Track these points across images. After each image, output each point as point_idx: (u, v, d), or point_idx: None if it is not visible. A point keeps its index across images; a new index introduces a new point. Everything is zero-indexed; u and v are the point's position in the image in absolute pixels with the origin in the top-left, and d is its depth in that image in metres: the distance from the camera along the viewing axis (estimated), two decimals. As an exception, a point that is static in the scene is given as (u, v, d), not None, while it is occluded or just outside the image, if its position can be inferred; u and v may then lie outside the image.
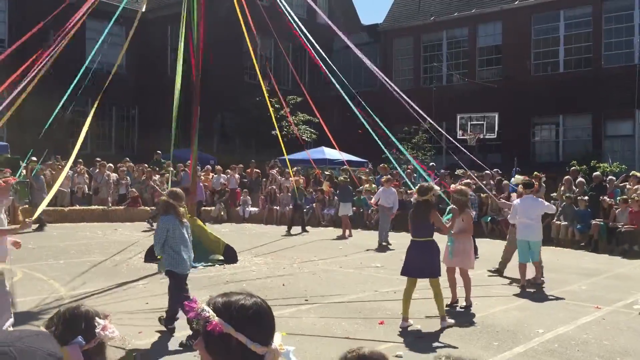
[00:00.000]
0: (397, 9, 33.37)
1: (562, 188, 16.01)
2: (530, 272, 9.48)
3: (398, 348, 5.98)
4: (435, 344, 6.19)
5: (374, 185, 19.36)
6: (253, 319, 1.59)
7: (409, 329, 6.75)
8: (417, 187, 7.34)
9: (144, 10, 29.28)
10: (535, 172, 16.21)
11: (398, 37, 32.29)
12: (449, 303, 7.77)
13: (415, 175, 19.78)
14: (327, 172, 21.29)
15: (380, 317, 7.25)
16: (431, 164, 22.24)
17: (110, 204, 19.02)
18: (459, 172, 17.62)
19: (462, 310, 7.77)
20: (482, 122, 23.07)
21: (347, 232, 16.08)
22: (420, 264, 6.96)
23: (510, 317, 7.43)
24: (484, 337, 6.47)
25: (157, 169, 20.92)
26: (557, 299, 8.56)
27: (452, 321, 6.98)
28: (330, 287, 9.07)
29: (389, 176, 15.71)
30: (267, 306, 1.66)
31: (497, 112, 22.97)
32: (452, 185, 8.40)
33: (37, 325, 6.57)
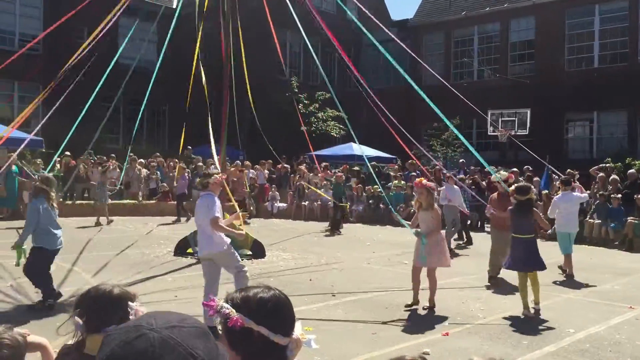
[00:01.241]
0: (428, 4, 33.07)
1: (596, 186, 15.70)
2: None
3: (425, 345, 5.93)
4: (462, 343, 6.12)
5: (402, 182, 19.27)
6: (273, 311, 1.60)
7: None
8: (516, 187, 7.84)
9: (174, 6, 29.61)
10: (569, 170, 15.95)
11: (428, 32, 32.01)
12: (408, 304, 7.46)
13: (444, 172, 19.59)
14: (355, 168, 21.24)
15: (406, 313, 7.20)
16: (461, 160, 22.02)
17: (141, 198, 19.28)
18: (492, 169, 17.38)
19: (426, 311, 7.38)
20: (514, 119, 22.75)
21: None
22: (527, 258, 7.53)
23: (541, 316, 7.30)
24: (514, 336, 6.38)
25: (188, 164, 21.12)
26: (589, 298, 8.40)
27: (538, 307, 7.40)
28: (357, 283, 9.06)
29: (451, 173, 14.81)
30: (286, 297, 1.66)
31: (529, 108, 22.62)
32: (422, 180, 7.81)
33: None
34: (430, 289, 7.54)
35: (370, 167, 17.52)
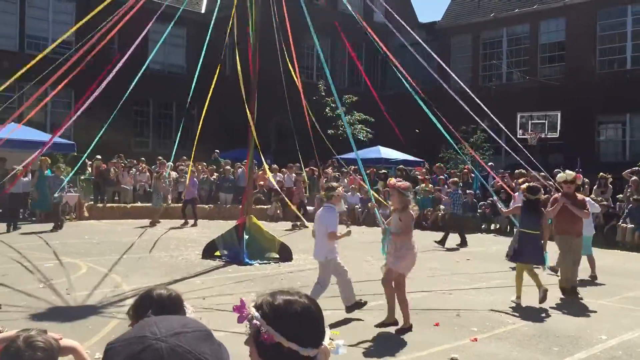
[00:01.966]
0: (456, 7, 32.84)
1: (629, 190, 15.39)
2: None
3: (453, 351, 5.88)
4: (491, 349, 6.05)
5: (430, 185, 19.14)
6: (305, 326, 1.56)
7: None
8: (528, 187, 8.41)
9: (203, 11, 30.00)
10: (601, 173, 15.67)
11: (456, 34, 31.78)
12: (384, 322, 6.77)
13: (472, 175, 19.43)
14: (382, 172, 21.17)
15: (435, 318, 7.15)
16: (489, 163, 21.77)
17: (169, 202, 19.50)
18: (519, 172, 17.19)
19: (395, 334, 6.53)
20: (544, 121, 22.45)
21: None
22: (529, 252, 8.13)
23: (571, 322, 7.19)
24: (543, 342, 6.28)
25: (215, 167, 21.31)
26: (622, 304, 8.23)
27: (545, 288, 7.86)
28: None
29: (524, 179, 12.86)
30: (317, 307, 1.62)
31: (560, 111, 22.29)
32: (394, 181, 7.43)
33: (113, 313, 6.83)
34: (400, 306, 6.78)
35: (360, 166, 17.54)
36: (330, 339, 1.63)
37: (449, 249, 13.57)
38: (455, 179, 15.93)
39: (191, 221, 17.20)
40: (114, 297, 7.82)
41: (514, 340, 6.34)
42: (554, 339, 6.36)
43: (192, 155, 15.53)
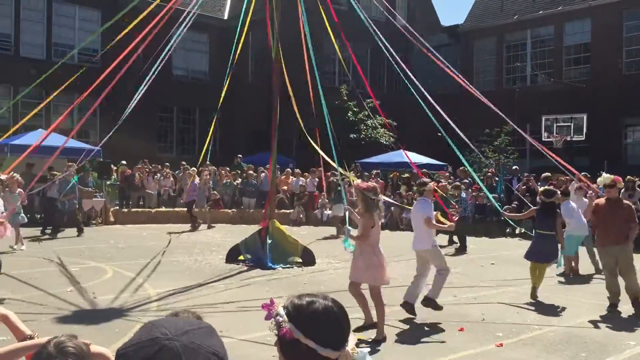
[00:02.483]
0: (479, 9, 32.63)
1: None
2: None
3: (478, 356, 5.82)
4: (516, 355, 5.98)
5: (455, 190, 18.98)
6: (325, 325, 1.59)
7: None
8: (543, 190, 8.89)
9: (226, 17, 30.22)
10: (628, 177, 15.39)
11: (479, 37, 31.57)
12: (362, 325, 6.54)
13: (496, 178, 19.26)
14: (404, 175, 21.09)
15: (459, 323, 7.09)
16: (514, 167, 21.56)
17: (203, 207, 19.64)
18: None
19: (368, 345, 5.99)
20: (569, 124, 22.15)
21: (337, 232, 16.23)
22: (542, 251, 8.62)
23: (598, 327, 7.07)
24: (571, 347, 6.19)
25: (238, 172, 21.43)
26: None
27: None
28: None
29: (580, 184, 12.48)
30: (341, 309, 1.64)
31: (586, 113, 21.98)
32: (357, 182, 7.32)
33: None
34: (377, 315, 6.47)
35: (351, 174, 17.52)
36: (355, 345, 1.62)
37: (470, 255, 13.45)
38: (457, 183, 15.88)
39: (202, 224, 17.33)
40: (139, 301, 7.90)
41: (541, 345, 6.26)
42: (582, 345, 6.26)
43: (200, 159, 15.56)
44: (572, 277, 10.51)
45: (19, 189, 11.72)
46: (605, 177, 8.23)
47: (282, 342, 1.58)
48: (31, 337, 2.42)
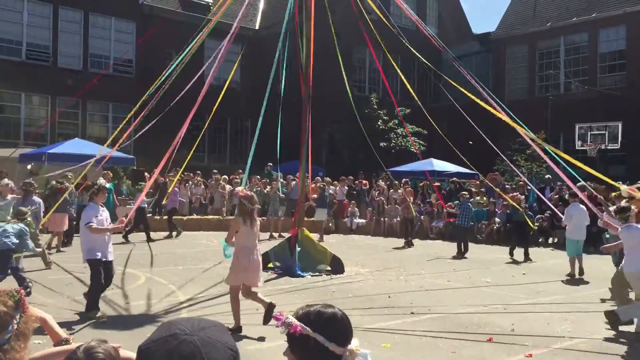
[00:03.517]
0: (511, 16, 32.34)
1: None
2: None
3: (507, 366, 5.78)
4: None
5: (484, 198, 18.84)
6: (329, 322, 1.81)
7: None
8: (617, 208, 7.98)
9: (257, 28, 30.59)
10: None
11: (511, 44, 31.27)
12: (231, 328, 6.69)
13: (528, 188, 19.01)
14: (435, 184, 20.98)
15: (488, 333, 7.03)
16: (547, 176, 21.25)
17: (224, 214, 19.85)
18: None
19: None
20: (604, 132, 21.78)
21: (318, 237, 16.09)
22: None
23: (629, 339, 6.93)
24: (600, 358, 6.09)
25: (268, 180, 21.58)
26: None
27: None
28: (437, 300, 8.93)
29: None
30: (343, 314, 1.86)
31: (621, 121, 21.57)
32: (237, 189, 7.86)
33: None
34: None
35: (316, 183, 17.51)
36: (356, 346, 1.82)
37: (507, 262, 13.30)
38: (465, 192, 15.87)
39: (174, 232, 17.08)
40: (170, 307, 8.04)
41: (571, 356, 6.17)
42: (612, 356, 6.16)
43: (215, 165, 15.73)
44: (576, 278, 11.27)
45: (11, 195, 10.60)
46: (623, 190, 8.38)
47: (293, 339, 1.78)
48: (67, 341, 2.50)
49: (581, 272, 11.50)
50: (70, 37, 25.94)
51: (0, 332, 2.10)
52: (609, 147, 21.55)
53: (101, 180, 7.69)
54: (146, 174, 20.01)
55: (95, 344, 2.10)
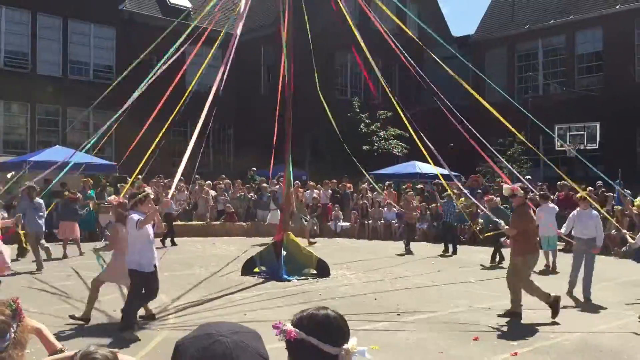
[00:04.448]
0: (490, 20, 32.72)
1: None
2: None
3: (493, 365, 5.87)
4: (533, 362, 6.01)
5: (468, 200, 18.97)
6: (322, 324, 1.84)
7: None
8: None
9: (239, 33, 30.53)
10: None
11: (490, 47, 31.63)
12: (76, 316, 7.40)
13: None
14: (418, 187, 21.14)
15: (474, 332, 7.13)
16: (527, 177, 21.51)
17: (208, 220, 19.81)
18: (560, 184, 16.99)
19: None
20: (582, 133, 22.11)
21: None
22: None
23: (613, 336, 7.08)
24: (585, 356, 6.22)
25: (253, 185, 21.58)
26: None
27: None
28: (423, 302, 9.02)
29: (586, 192, 12.32)
30: (336, 314, 1.90)
31: (599, 122, 21.93)
32: (113, 197, 8.41)
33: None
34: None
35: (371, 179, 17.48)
36: (352, 345, 1.84)
37: (492, 266, 13.43)
38: (450, 192, 16.16)
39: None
40: (157, 313, 8.02)
41: (555, 354, 6.28)
42: (597, 354, 6.29)
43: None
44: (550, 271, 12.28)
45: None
46: (505, 189, 8.73)
47: (289, 345, 1.82)
48: (62, 351, 2.52)
49: (554, 268, 12.27)
50: (49, 43, 25.68)
51: (-2, 340, 2.12)
52: (587, 147, 21.87)
53: (147, 188, 7.50)
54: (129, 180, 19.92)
55: (93, 349, 2.12)
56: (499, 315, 7.95)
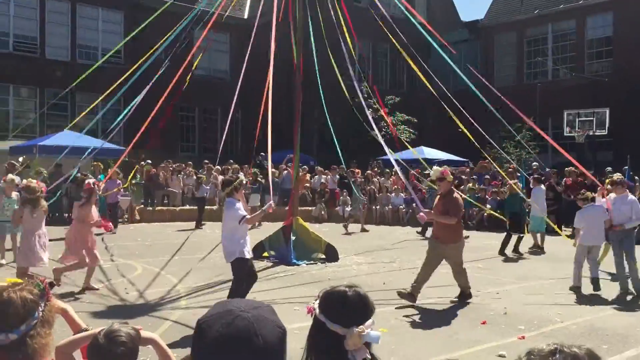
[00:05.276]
0: (499, 4, 32.49)
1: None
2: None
3: (501, 348, 5.94)
4: (540, 345, 6.07)
5: (476, 185, 19.01)
6: (335, 303, 1.88)
7: None
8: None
9: (245, 17, 30.49)
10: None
11: (500, 32, 31.45)
12: None
13: (518, 175, 19.22)
14: (426, 172, 21.15)
15: (482, 316, 7.20)
16: (534, 163, 21.48)
17: (217, 204, 19.92)
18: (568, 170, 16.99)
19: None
20: (592, 118, 22.01)
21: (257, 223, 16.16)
22: None
23: (620, 320, 7.14)
24: (592, 340, 6.28)
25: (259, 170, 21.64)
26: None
27: None
28: (430, 286, 9.08)
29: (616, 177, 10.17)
30: (356, 295, 1.91)
31: (608, 108, 21.82)
32: (24, 181, 8.81)
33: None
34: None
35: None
36: (361, 328, 1.85)
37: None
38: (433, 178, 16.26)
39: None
40: (169, 297, 8.14)
41: (562, 338, 6.33)
42: (603, 337, 6.35)
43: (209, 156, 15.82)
44: (539, 251, 13.10)
45: (15, 193, 10.44)
46: (434, 171, 8.25)
47: (312, 320, 1.90)
48: (86, 330, 2.60)
49: (542, 248, 13.22)
50: (57, 28, 25.75)
51: (26, 318, 2.19)
52: (597, 133, 21.80)
53: (241, 176, 7.38)
54: (137, 165, 20.02)
55: (117, 327, 2.20)
56: (452, 301, 8.05)
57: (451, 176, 8.03)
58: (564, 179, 17.69)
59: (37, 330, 2.23)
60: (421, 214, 8.45)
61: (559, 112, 23.03)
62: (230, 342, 1.37)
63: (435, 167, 8.25)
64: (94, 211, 8.77)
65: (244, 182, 7.44)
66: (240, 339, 1.37)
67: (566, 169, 17.41)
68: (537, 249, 13.25)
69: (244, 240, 7.02)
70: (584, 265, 8.80)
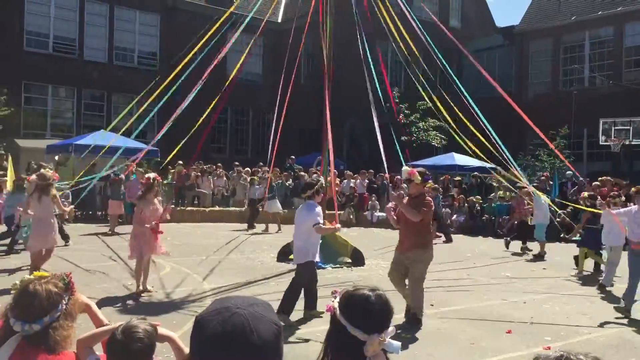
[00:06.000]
0: (535, 10, 32.05)
1: None
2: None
3: (525, 358, 5.87)
4: (547, 352, 5.97)
5: (507, 193, 18.78)
6: (358, 308, 1.85)
7: None
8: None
9: (280, 21, 30.69)
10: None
11: (535, 38, 31.02)
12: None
13: (551, 182, 18.94)
14: (456, 179, 20.99)
15: (507, 326, 7.12)
16: (567, 172, 21.11)
17: (246, 206, 20.06)
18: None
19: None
20: (628, 127, 21.56)
21: (277, 227, 16.77)
22: None
23: (651, 334, 6.98)
24: (620, 352, 6.15)
25: (291, 173, 21.75)
26: None
27: None
28: (456, 293, 9.03)
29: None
30: (379, 300, 1.89)
31: (646, 117, 21.36)
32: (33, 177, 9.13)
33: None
34: None
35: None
36: (384, 335, 1.84)
37: (527, 260, 13.32)
38: (436, 185, 16.40)
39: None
40: (195, 296, 8.25)
41: (589, 350, 6.22)
42: (631, 350, 6.22)
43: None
44: (544, 258, 12.93)
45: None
46: (403, 171, 7.30)
47: (330, 318, 1.88)
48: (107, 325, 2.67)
49: (542, 255, 13.12)
50: (96, 30, 26.32)
51: (50, 310, 2.27)
52: (633, 143, 21.33)
53: (322, 179, 7.38)
54: (169, 165, 20.30)
55: (135, 323, 2.26)
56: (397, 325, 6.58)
57: (419, 178, 7.06)
58: (600, 188, 17.31)
59: (60, 323, 2.31)
60: (392, 192, 8.20)
61: (595, 120, 22.61)
62: (226, 339, 1.40)
63: (404, 168, 7.33)
64: (154, 210, 8.87)
65: (324, 185, 7.39)
66: (236, 336, 1.40)
67: (599, 178, 17.05)
68: (539, 256, 13.13)
69: (318, 245, 7.07)
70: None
